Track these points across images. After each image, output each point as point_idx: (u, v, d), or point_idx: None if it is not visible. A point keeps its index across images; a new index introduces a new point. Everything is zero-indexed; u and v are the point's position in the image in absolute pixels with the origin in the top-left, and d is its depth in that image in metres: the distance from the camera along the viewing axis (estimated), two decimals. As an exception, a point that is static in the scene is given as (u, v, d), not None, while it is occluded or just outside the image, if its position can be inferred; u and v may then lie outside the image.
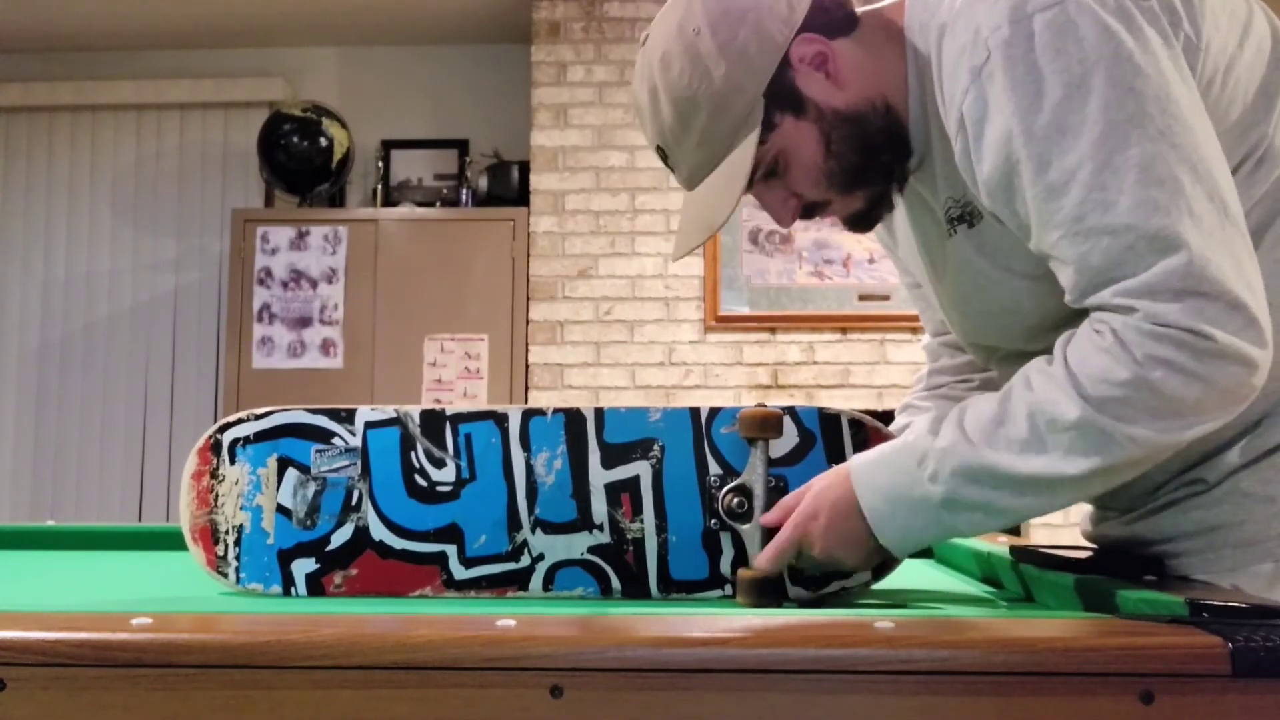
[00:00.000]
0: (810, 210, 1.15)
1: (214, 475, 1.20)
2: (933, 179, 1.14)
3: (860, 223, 1.17)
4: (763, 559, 1.09)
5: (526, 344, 4.25)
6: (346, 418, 1.21)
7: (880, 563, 1.13)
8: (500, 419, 1.20)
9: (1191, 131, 0.95)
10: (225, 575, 1.19)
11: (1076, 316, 1.01)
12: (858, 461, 1.08)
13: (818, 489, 1.08)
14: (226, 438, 1.21)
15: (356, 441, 1.20)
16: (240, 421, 1.22)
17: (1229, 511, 1.07)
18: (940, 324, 1.39)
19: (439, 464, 1.19)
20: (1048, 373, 0.99)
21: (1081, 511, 1.28)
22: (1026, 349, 1.09)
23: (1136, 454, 0.95)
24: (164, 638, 0.75)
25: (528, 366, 4.23)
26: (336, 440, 1.20)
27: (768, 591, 1.08)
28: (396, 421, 1.21)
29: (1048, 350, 1.02)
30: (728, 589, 1.16)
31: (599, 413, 1.19)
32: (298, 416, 1.21)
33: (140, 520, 4.68)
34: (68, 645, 0.75)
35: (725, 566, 1.17)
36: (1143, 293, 0.93)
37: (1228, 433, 1.06)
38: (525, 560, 1.17)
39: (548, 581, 1.17)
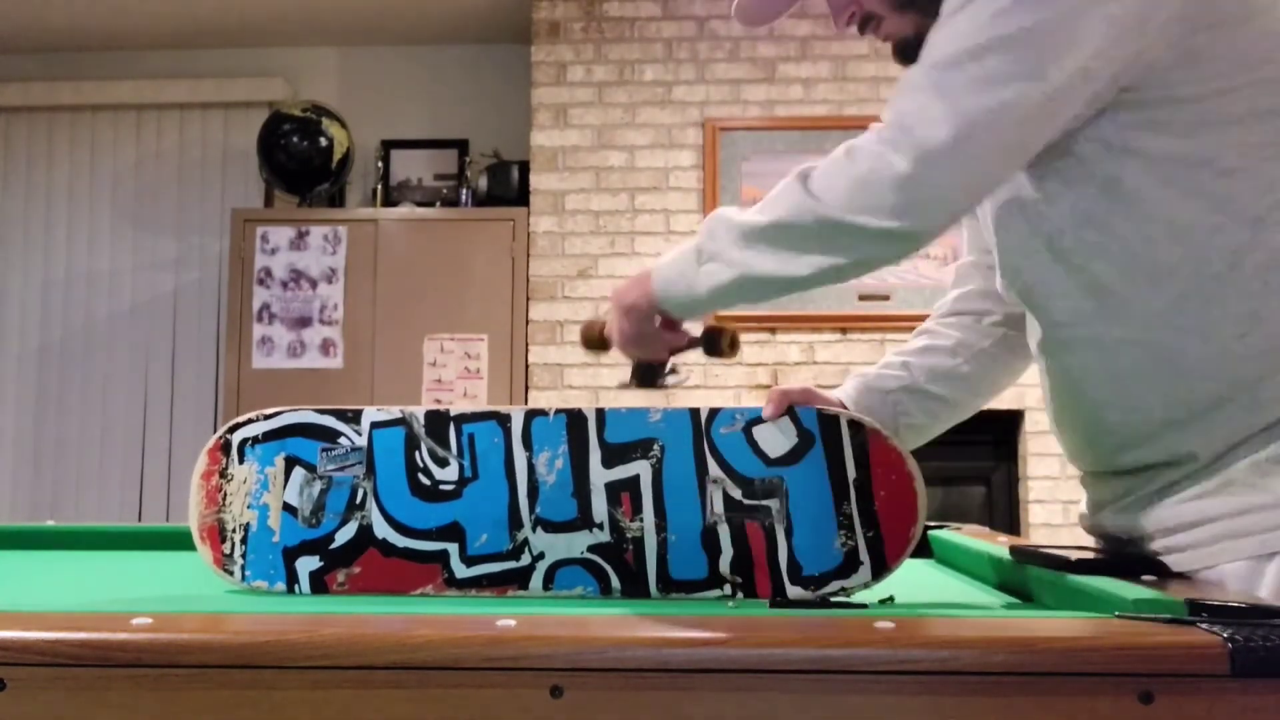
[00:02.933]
0: (865, 22, 1.24)
1: (223, 475, 1.22)
2: None
3: (906, 53, 1.22)
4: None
5: (526, 344, 4.25)
6: (353, 418, 1.23)
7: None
8: (503, 419, 1.22)
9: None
10: (231, 573, 1.20)
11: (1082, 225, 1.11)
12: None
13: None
14: (236, 438, 1.23)
15: (362, 441, 1.22)
16: (250, 422, 1.24)
17: (1227, 503, 1.07)
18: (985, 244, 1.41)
19: (442, 463, 1.21)
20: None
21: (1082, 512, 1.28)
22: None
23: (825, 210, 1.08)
24: (164, 638, 0.75)
25: (527, 366, 4.23)
26: (343, 440, 1.22)
27: (642, 375, 1.28)
28: (401, 422, 1.23)
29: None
30: (727, 588, 1.16)
31: (600, 413, 1.21)
32: (306, 417, 1.23)
33: (140, 520, 4.68)
34: (68, 645, 0.75)
35: (725, 566, 1.17)
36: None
37: (1220, 406, 1.07)
38: (526, 559, 1.18)
39: (548, 580, 1.18)
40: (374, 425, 1.22)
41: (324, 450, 1.21)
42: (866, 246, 1.09)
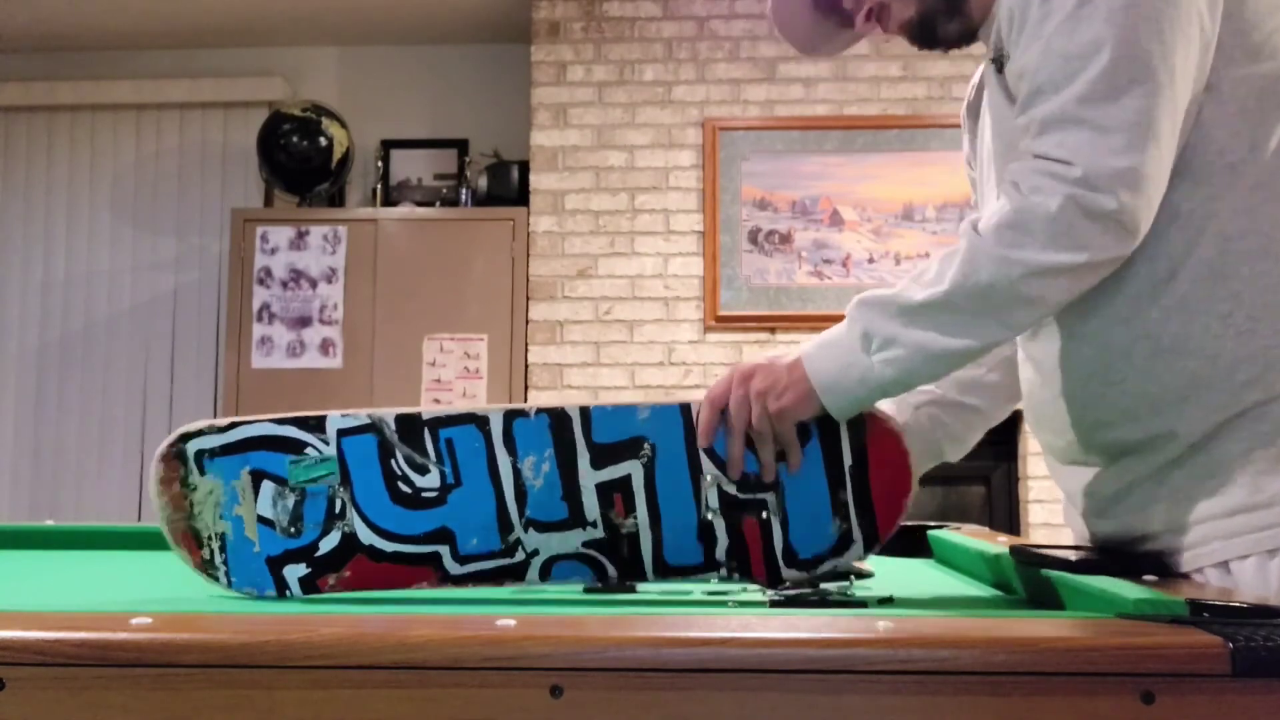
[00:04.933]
0: (880, 16, 1.26)
1: (185, 484, 1.16)
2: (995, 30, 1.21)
3: (914, 34, 1.26)
4: (707, 426, 1.16)
5: (526, 344, 4.25)
6: (316, 426, 1.17)
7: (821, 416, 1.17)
8: (481, 422, 1.17)
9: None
10: (215, 579, 1.17)
11: None
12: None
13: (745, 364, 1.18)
14: (191, 448, 1.16)
15: (331, 450, 1.16)
16: (201, 434, 1.17)
17: (1221, 502, 1.08)
18: None
19: (422, 470, 1.17)
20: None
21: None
22: None
23: (1008, 270, 1.07)
24: (164, 638, 0.75)
25: (527, 366, 4.23)
26: (310, 450, 1.17)
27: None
28: (371, 428, 1.17)
29: None
30: (723, 572, 1.17)
31: (585, 412, 1.17)
32: (264, 429, 1.17)
33: (140, 520, 4.67)
34: (68, 645, 0.75)
35: (720, 554, 1.17)
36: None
37: (1200, 386, 1.09)
38: (520, 555, 1.17)
39: (544, 574, 1.17)
40: (341, 433, 1.16)
41: (293, 462, 1.16)
42: (1086, 280, 1.09)
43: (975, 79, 1.38)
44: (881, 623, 0.78)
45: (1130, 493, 1.15)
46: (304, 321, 4.31)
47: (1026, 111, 1.11)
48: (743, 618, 0.91)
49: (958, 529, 1.66)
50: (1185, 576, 1.09)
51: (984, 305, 1.10)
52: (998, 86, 1.21)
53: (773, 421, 1.15)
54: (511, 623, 0.78)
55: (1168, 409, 1.11)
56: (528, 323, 4.25)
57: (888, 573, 1.39)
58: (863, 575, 1.29)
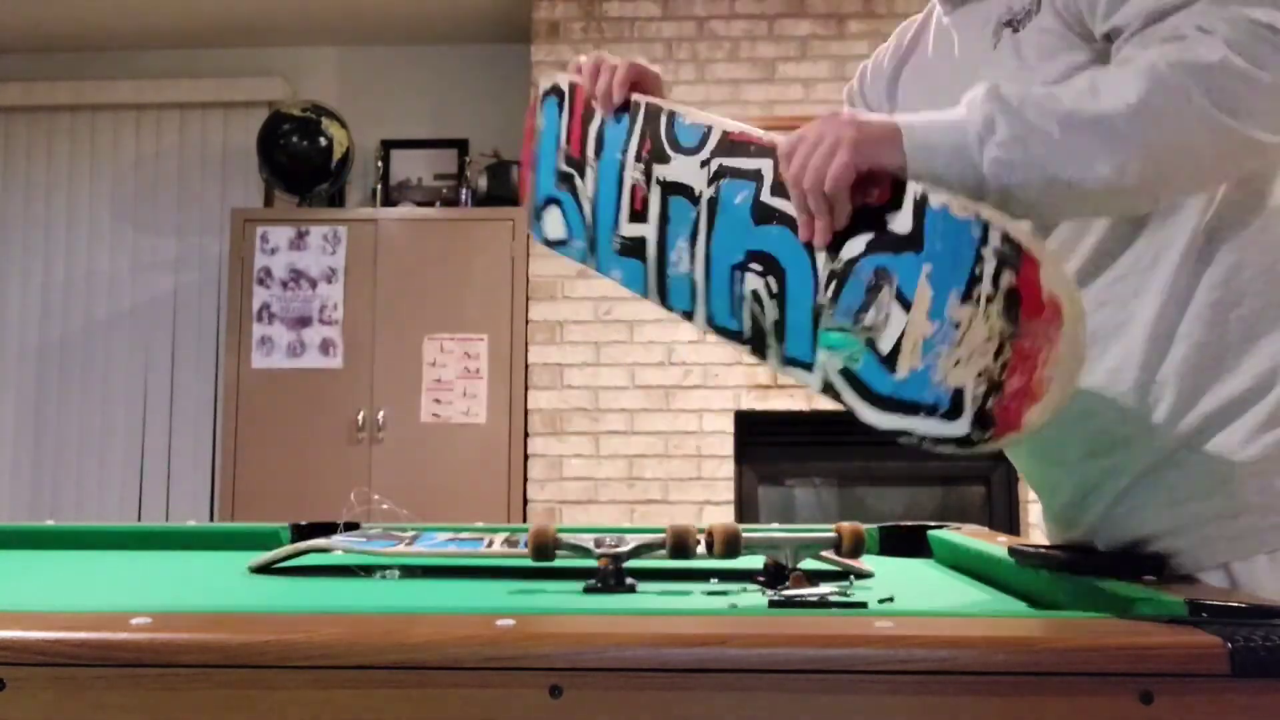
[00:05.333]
0: None
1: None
2: None
3: None
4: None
5: (526, 344, 4.25)
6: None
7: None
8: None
9: None
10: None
11: None
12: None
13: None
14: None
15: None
16: None
17: (1222, 504, 1.08)
18: None
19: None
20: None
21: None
22: None
23: (1187, 115, 0.95)
24: (164, 638, 0.75)
25: (527, 366, 4.23)
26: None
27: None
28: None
29: None
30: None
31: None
32: None
33: (140, 520, 4.68)
34: (68, 645, 0.75)
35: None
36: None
37: (1189, 373, 1.09)
38: None
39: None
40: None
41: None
42: (1245, 161, 1.01)
43: (908, 29, 1.37)
44: (881, 623, 0.78)
45: (1127, 493, 1.15)
46: (304, 321, 4.31)
47: None
48: (743, 618, 0.91)
49: (958, 529, 1.66)
50: (1189, 579, 1.09)
51: (1155, 140, 0.97)
52: (1010, 50, 1.15)
53: (836, 167, 1.00)
54: (511, 623, 0.78)
55: (1161, 398, 1.11)
56: (528, 323, 4.25)
57: (888, 573, 1.39)
58: (863, 575, 1.29)
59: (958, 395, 0.95)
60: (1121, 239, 1.12)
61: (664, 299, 1.24)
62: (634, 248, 1.27)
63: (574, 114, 1.36)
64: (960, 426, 0.95)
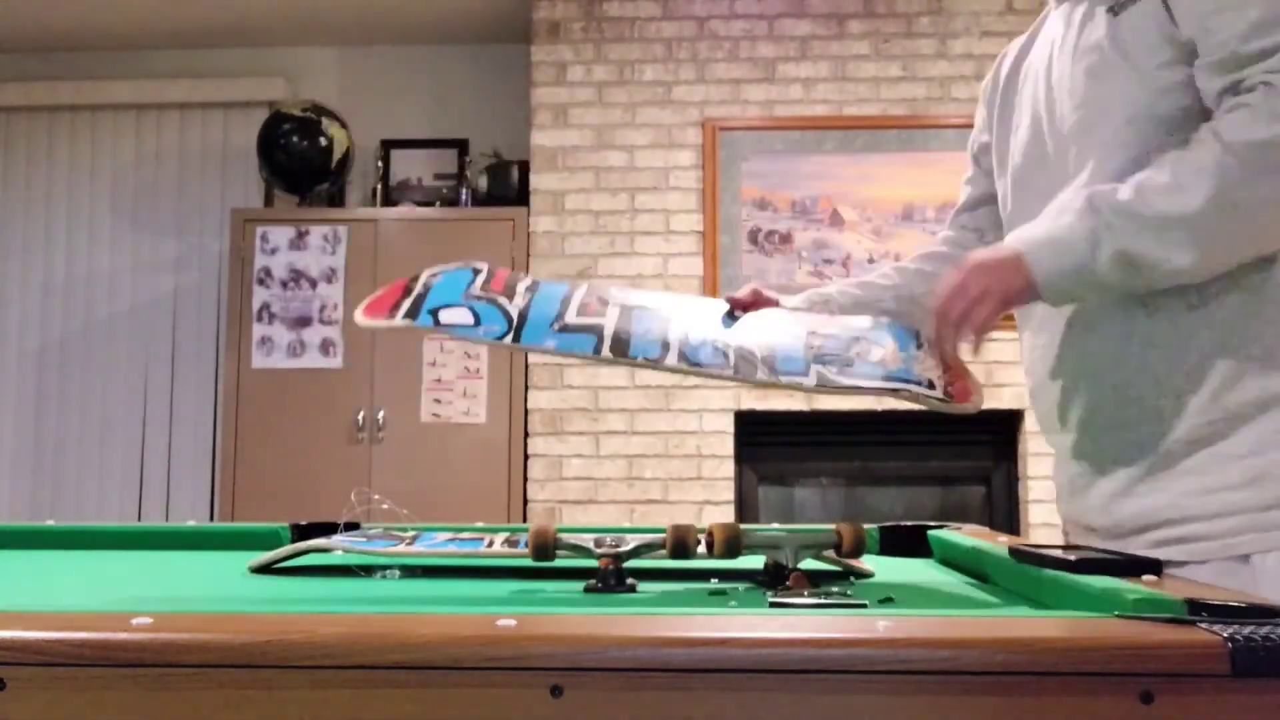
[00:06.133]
0: None
1: None
2: None
3: None
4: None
5: (526, 344, 4.24)
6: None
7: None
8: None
9: None
10: None
11: (1152, 130, 1.19)
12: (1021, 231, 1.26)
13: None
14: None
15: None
16: None
17: (1258, 496, 1.09)
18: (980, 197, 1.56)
19: None
20: (1197, 141, 1.14)
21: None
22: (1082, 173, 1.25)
23: (1255, 201, 1.10)
24: (164, 638, 0.75)
25: (527, 367, 4.23)
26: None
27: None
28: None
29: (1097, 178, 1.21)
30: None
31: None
32: None
33: (140, 520, 4.68)
34: (68, 645, 0.75)
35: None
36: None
37: (1224, 373, 1.16)
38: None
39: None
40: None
41: None
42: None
43: (1011, 50, 1.46)
44: (881, 623, 0.78)
45: (1152, 470, 1.17)
46: (304, 321, 4.31)
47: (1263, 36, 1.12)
48: (743, 618, 0.91)
49: (958, 529, 1.66)
50: (1191, 579, 1.10)
51: (1235, 229, 1.13)
52: (1105, 32, 1.24)
53: (984, 318, 1.23)
54: (511, 623, 0.78)
55: (1201, 393, 1.16)
56: (528, 323, 4.25)
57: (888, 573, 1.39)
58: (863, 575, 1.29)
59: (931, 381, 1.36)
60: None
61: (624, 355, 1.31)
62: (585, 328, 1.35)
63: (495, 276, 1.47)
64: (939, 394, 1.35)
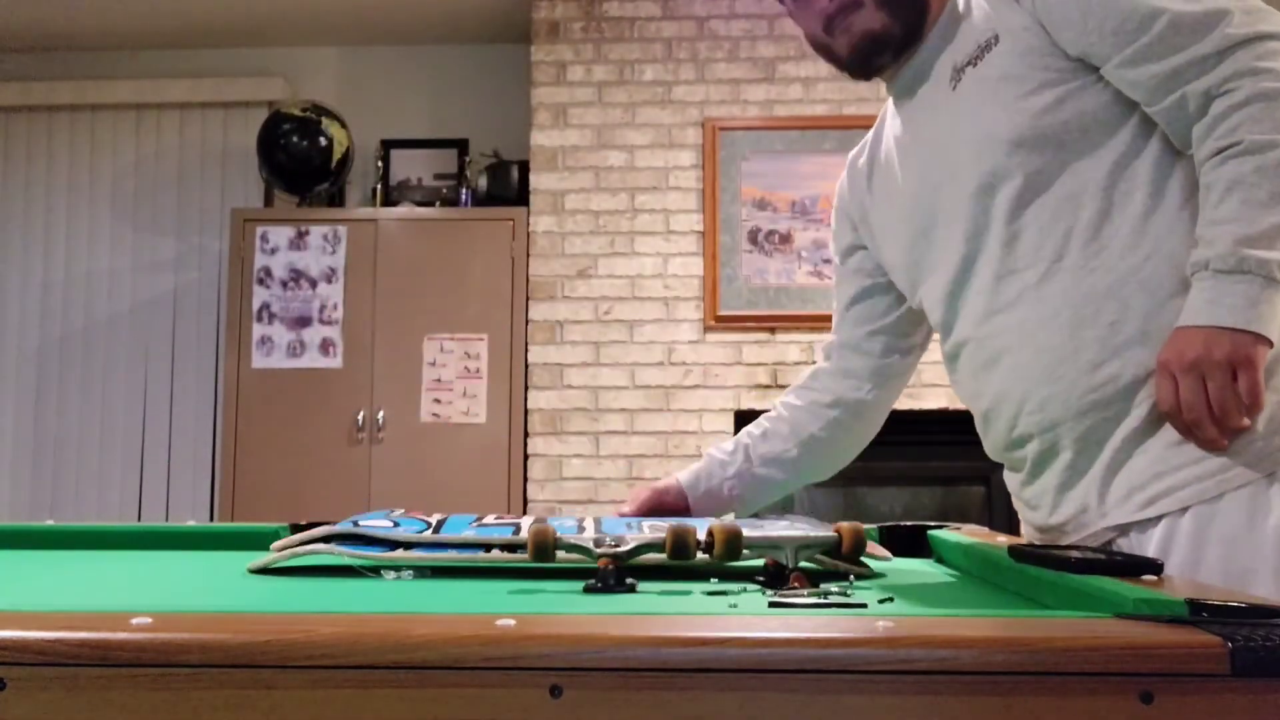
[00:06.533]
0: (846, 8, 1.44)
1: None
2: (962, 38, 1.36)
3: (865, 55, 1.44)
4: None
5: (526, 344, 4.25)
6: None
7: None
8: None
9: None
10: None
11: (1031, 149, 1.26)
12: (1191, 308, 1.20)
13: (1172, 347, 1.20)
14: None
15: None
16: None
17: (1190, 451, 1.19)
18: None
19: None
20: (1235, 156, 1.18)
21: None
22: (969, 208, 1.33)
23: None
24: (164, 638, 0.75)
25: (527, 366, 4.23)
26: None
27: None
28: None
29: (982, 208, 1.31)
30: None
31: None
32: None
33: (140, 520, 4.68)
34: (68, 645, 0.75)
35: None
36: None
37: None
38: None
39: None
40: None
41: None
42: None
43: (857, 158, 1.57)
44: (881, 623, 0.78)
45: (1122, 450, 1.24)
46: (304, 321, 4.32)
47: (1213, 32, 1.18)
48: (743, 618, 0.91)
49: (958, 529, 1.66)
50: (1154, 521, 1.20)
51: None
52: (970, 81, 1.33)
53: (1252, 389, 1.16)
54: (511, 623, 0.78)
55: (1151, 346, 1.22)
56: (528, 323, 4.25)
57: (888, 573, 1.39)
58: (863, 575, 1.29)
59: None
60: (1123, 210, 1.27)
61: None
62: (504, 525, 1.38)
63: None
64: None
